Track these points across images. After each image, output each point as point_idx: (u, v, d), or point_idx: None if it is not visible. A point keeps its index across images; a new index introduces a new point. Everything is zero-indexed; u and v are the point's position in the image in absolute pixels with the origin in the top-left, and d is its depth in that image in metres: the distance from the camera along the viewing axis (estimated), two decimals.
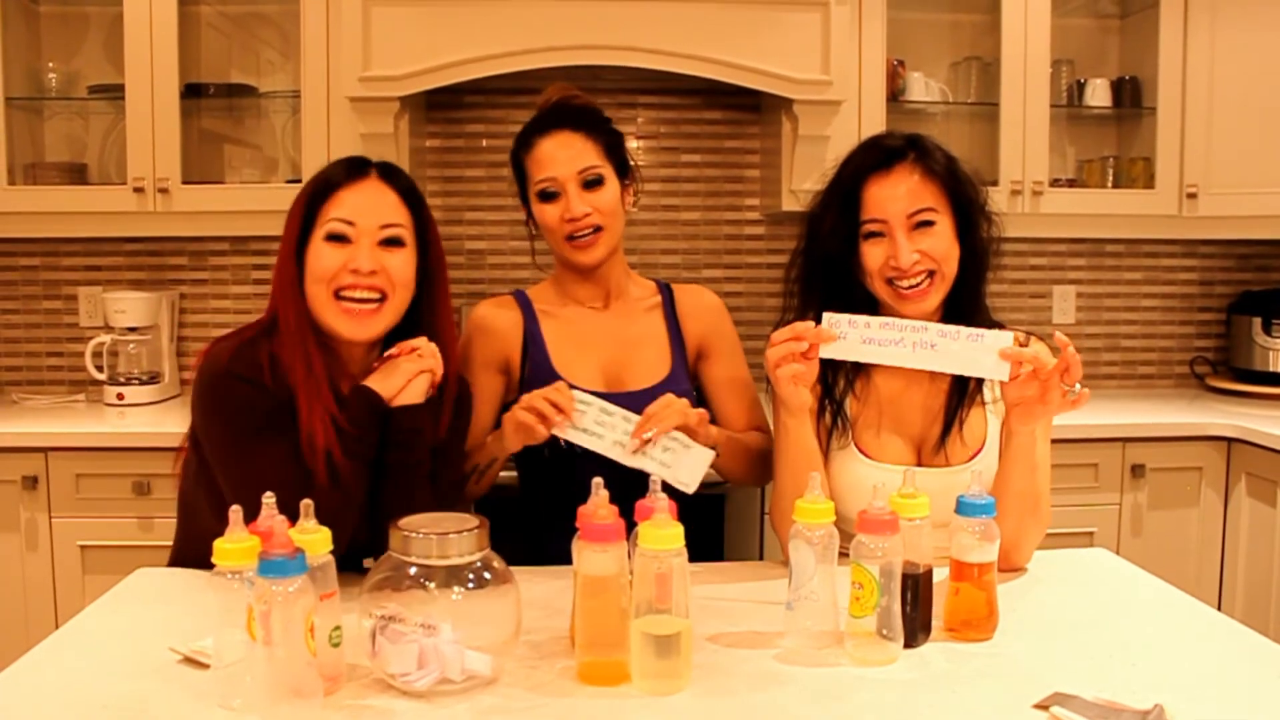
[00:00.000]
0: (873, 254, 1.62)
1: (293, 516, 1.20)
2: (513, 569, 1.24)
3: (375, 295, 1.58)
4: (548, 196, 1.80)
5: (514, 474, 1.85)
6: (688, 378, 1.88)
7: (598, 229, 1.79)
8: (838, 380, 1.69)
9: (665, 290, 1.94)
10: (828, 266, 1.66)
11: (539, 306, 1.90)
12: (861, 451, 1.67)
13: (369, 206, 1.59)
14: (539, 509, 1.82)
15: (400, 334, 1.65)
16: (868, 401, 1.69)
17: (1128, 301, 3.54)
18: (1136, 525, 2.91)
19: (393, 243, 1.59)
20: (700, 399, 1.89)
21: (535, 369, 1.83)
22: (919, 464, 1.67)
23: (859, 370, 1.69)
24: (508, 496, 1.86)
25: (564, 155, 1.79)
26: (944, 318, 1.65)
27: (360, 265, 1.55)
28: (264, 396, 1.54)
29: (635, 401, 1.75)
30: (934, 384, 1.67)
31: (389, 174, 1.63)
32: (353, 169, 1.62)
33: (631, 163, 1.88)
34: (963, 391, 1.65)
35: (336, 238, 1.57)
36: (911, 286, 1.60)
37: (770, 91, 2.87)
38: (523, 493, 1.87)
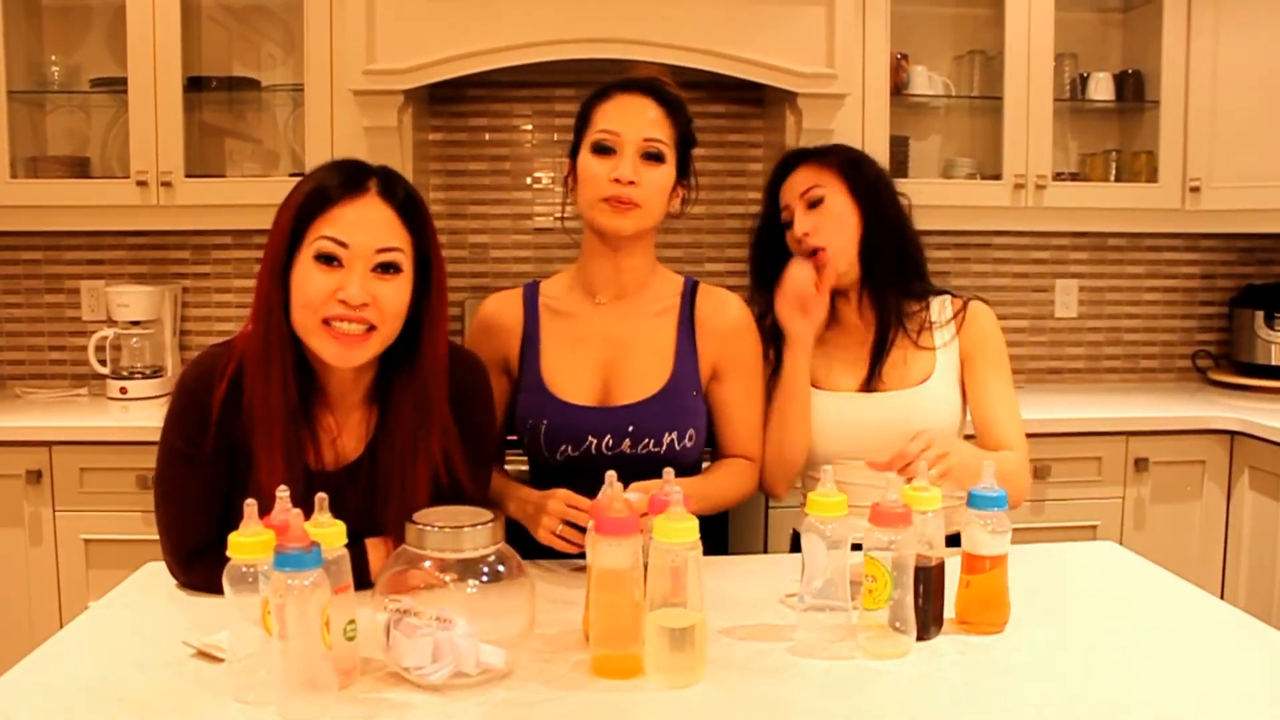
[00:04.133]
0: (790, 239, 1.86)
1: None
2: (527, 563, 1.24)
3: (363, 326, 1.43)
4: (603, 149, 1.69)
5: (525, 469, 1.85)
6: (692, 386, 1.75)
7: (634, 204, 1.69)
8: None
9: (689, 292, 1.81)
10: (771, 259, 1.87)
11: (545, 300, 1.80)
12: (813, 385, 1.83)
13: (365, 227, 1.43)
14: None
15: (393, 355, 1.52)
16: (818, 351, 1.85)
17: (1130, 295, 3.54)
18: (1139, 519, 2.91)
19: (387, 268, 1.44)
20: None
21: (527, 377, 1.76)
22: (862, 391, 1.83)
23: None
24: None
25: (636, 118, 1.70)
26: (861, 283, 1.84)
27: (350, 297, 1.41)
28: (196, 416, 1.49)
29: (623, 417, 1.70)
30: (866, 333, 1.85)
31: (389, 188, 1.47)
32: (349, 181, 1.45)
33: (691, 169, 1.79)
34: (882, 337, 1.82)
35: (327, 259, 1.42)
36: (812, 254, 1.81)
37: (774, 85, 2.87)
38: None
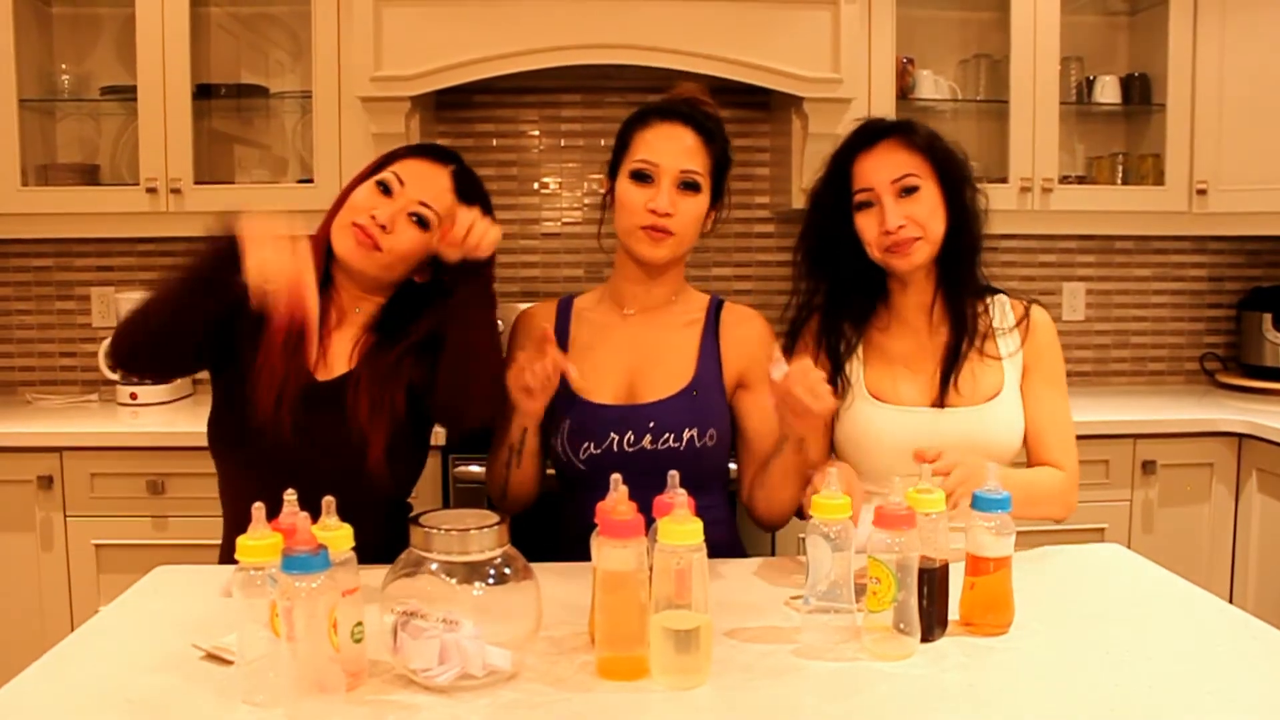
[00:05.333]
0: (867, 224, 1.74)
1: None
2: (533, 565, 1.25)
3: (373, 243, 1.66)
4: (641, 177, 1.73)
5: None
6: (716, 390, 1.79)
7: (670, 233, 1.73)
8: (839, 344, 1.80)
9: (714, 308, 1.86)
10: (832, 242, 1.78)
11: (577, 309, 1.87)
12: (876, 397, 1.77)
13: (424, 182, 1.69)
14: (571, 510, 1.80)
15: (407, 303, 1.75)
16: (872, 358, 1.80)
17: (1138, 298, 3.54)
18: (1148, 521, 2.91)
19: (420, 221, 1.68)
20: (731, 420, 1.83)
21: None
22: (935, 406, 1.76)
23: (860, 334, 1.81)
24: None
25: (674, 147, 1.73)
26: (938, 284, 1.78)
27: (380, 216, 1.66)
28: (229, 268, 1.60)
29: (645, 414, 1.74)
30: (935, 340, 1.79)
31: (465, 177, 1.74)
32: (436, 153, 1.75)
33: (726, 191, 1.82)
34: (956, 349, 1.76)
35: (384, 187, 1.68)
36: (899, 244, 1.71)
37: (780, 90, 2.88)
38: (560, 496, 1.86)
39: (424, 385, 1.70)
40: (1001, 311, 1.81)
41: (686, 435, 1.73)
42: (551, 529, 1.81)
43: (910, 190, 1.71)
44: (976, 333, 1.77)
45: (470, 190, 1.73)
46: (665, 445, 1.72)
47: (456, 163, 1.75)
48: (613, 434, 1.73)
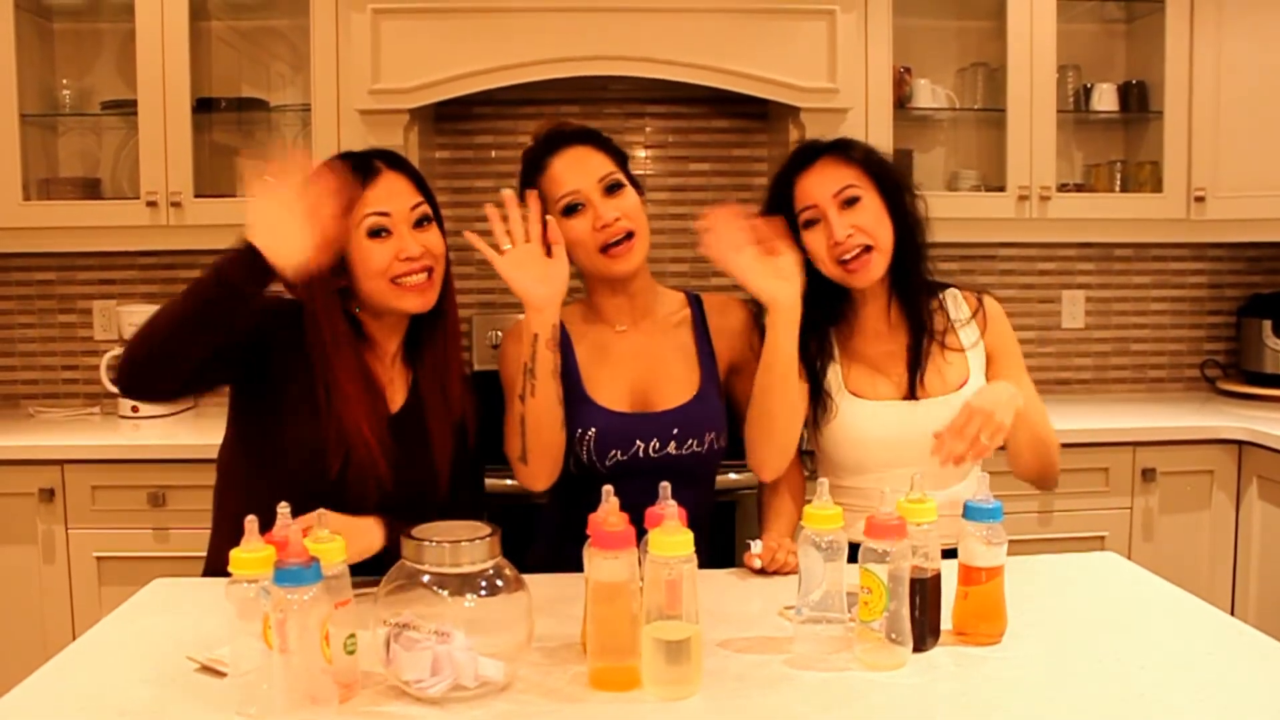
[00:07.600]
0: (815, 241, 1.77)
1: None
2: (525, 576, 1.25)
3: (425, 273, 1.67)
4: (572, 210, 1.75)
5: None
6: (718, 393, 1.85)
7: (630, 235, 1.75)
8: (815, 355, 1.82)
9: (695, 302, 1.91)
10: None
11: (569, 328, 1.85)
12: (856, 395, 1.81)
13: (394, 195, 1.68)
14: (564, 521, 1.81)
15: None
16: (850, 360, 1.84)
17: (1137, 305, 3.54)
18: (1148, 529, 2.91)
19: (422, 221, 1.70)
20: (729, 413, 1.87)
21: (570, 389, 1.79)
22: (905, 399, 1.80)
23: (829, 348, 1.84)
24: (536, 504, 1.91)
25: (580, 168, 1.77)
26: (891, 290, 1.82)
27: (410, 252, 1.65)
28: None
29: (668, 420, 1.78)
30: (897, 341, 1.83)
31: (392, 162, 1.72)
32: (362, 169, 1.68)
33: (639, 181, 1.84)
34: (918, 349, 1.81)
35: (376, 232, 1.65)
36: (853, 258, 1.74)
37: (777, 100, 2.89)
38: (550, 505, 1.90)
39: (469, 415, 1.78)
40: (955, 304, 1.86)
41: (708, 439, 1.79)
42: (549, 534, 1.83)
43: (852, 201, 1.75)
44: (934, 330, 1.82)
45: (417, 173, 1.75)
46: (689, 450, 1.78)
47: (377, 158, 1.71)
48: (638, 441, 1.77)
